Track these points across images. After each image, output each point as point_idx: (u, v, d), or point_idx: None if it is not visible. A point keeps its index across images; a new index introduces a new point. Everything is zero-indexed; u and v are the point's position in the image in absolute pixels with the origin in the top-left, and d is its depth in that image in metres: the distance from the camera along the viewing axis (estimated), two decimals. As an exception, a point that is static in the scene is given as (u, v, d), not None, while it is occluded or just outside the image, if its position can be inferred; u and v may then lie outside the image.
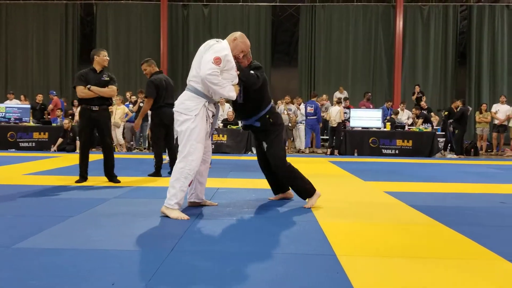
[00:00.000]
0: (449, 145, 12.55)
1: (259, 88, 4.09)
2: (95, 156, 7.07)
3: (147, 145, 12.24)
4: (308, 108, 12.13)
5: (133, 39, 17.86)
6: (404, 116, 13.25)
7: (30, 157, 9.23)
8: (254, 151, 11.68)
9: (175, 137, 6.02)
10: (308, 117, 12.18)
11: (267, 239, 3.11)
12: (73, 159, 8.08)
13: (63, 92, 17.37)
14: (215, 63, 3.57)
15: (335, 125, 11.82)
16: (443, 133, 13.74)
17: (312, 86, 17.68)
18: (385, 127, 11.96)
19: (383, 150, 11.47)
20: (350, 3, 17.73)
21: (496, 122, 12.73)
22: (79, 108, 5.98)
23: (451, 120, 12.07)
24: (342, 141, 11.53)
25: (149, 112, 6.54)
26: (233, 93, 3.77)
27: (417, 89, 14.57)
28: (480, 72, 17.64)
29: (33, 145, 11.72)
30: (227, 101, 11.39)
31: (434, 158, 11.17)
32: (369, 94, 14.79)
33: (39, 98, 13.61)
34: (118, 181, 5.69)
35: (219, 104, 4.06)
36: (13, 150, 11.43)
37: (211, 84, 3.59)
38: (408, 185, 6.01)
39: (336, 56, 17.73)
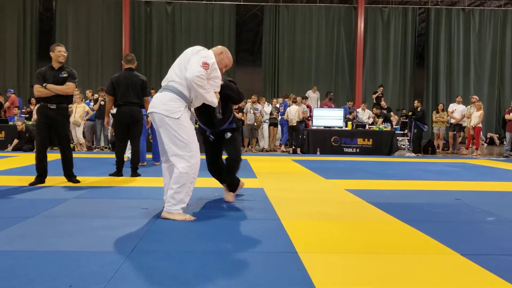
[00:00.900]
0: (408, 144, 12.93)
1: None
2: (54, 156, 6.88)
3: (108, 144, 12.00)
4: (281, 108, 12.47)
5: (94, 36, 17.49)
6: (365, 115, 13.53)
7: (-16, 157, 8.89)
8: None
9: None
10: (281, 116, 12.47)
11: (229, 238, 3.11)
12: (30, 158, 7.83)
13: (21, 89, 16.83)
14: (204, 67, 3.52)
15: (294, 124, 11.95)
16: (402, 132, 14.13)
17: (276, 85, 17.81)
18: (346, 126, 12.17)
19: (344, 148, 11.68)
20: (313, 4, 17.95)
21: (453, 121, 13.18)
22: (36, 106, 5.80)
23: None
24: (305, 140, 11.66)
25: None
26: (215, 100, 3.75)
27: (380, 90, 14.88)
28: (437, 73, 18.23)
29: (-12, 144, 11.30)
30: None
31: (393, 156, 11.45)
32: (331, 93, 15.02)
33: (-3, 97, 13.15)
34: (78, 181, 5.55)
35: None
36: (-33, 149, 10.99)
37: (197, 87, 3.51)
38: (368, 182, 6.14)
39: (299, 56, 17.93)
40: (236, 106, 12.07)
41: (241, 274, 2.38)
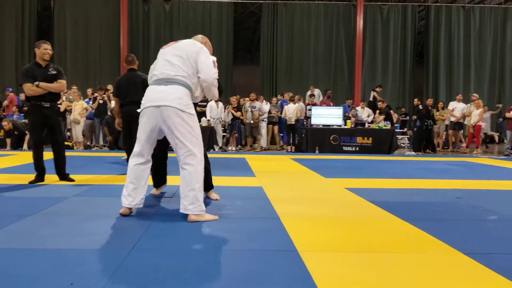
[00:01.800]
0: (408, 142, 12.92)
1: None
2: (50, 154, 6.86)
3: (106, 143, 12.00)
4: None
5: (92, 34, 17.46)
6: (364, 114, 13.52)
7: (-17, 156, 8.87)
8: (217, 148, 11.65)
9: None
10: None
11: (229, 236, 3.10)
12: (28, 157, 7.81)
13: (19, 88, 16.73)
14: (214, 66, 3.61)
15: (292, 123, 11.94)
16: (402, 130, 14.11)
17: (274, 83, 17.79)
18: (345, 125, 12.16)
19: (343, 147, 11.66)
20: (311, 1, 17.93)
21: (453, 119, 13.16)
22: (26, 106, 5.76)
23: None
24: (303, 139, 11.65)
25: None
26: (217, 93, 3.79)
27: (378, 89, 14.82)
28: (437, 70, 18.22)
29: (-13, 143, 11.28)
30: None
31: (393, 155, 11.45)
32: (329, 92, 15.00)
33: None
34: (72, 180, 5.53)
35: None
36: (-34, 148, 10.97)
37: (213, 87, 3.61)
38: (368, 181, 6.13)
39: (298, 54, 17.91)
40: (235, 105, 12.08)
41: (242, 272, 2.36)
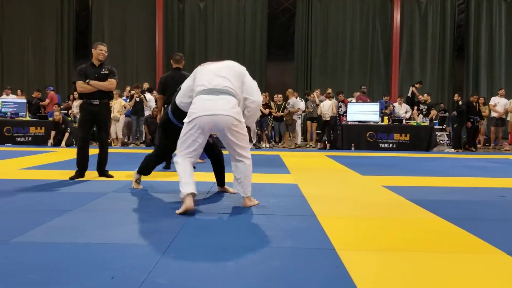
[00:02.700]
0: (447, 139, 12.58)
1: None
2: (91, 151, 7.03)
3: (143, 139, 12.23)
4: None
5: (129, 33, 17.79)
6: (402, 110, 13.24)
7: (26, 152, 9.19)
8: (250, 145, 11.67)
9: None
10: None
11: (265, 233, 3.10)
12: (70, 153, 8.04)
13: (59, 87, 17.30)
14: None
15: (328, 119, 11.82)
16: (441, 127, 13.75)
17: (308, 80, 17.65)
18: (382, 121, 11.95)
19: (380, 144, 11.47)
20: (347, -4, 17.68)
21: (495, 115, 12.71)
22: (75, 102, 5.94)
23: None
24: (339, 135, 11.53)
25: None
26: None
27: (418, 85, 14.49)
28: (477, 65, 17.64)
29: (30, 139, 11.68)
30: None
31: (432, 152, 11.19)
32: (364, 87, 14.76)
33: (36, 94, 13.54)
34: (111, 176, 5.66)
35: None
36: (10, 144, 11.39)
37: (257, 112, 3.91)
38: (406, 179, 6.01)
39: (333, 50, 17.70)
40: (264, 102, 12.04)
41: (277, 270, 2.35)
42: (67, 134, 10.91)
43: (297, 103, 12.58)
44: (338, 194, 4.73)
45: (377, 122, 11.81)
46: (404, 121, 12.14)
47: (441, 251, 2.77)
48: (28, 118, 12.25)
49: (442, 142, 13.35)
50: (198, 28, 17.76)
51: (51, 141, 11.17)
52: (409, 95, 14.56)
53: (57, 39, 17.76)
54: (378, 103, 12.69)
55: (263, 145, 12.08)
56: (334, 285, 2.16)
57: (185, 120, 3.69)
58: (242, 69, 3.84)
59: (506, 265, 2.50)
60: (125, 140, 12.37)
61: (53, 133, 11.17)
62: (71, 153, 7.07)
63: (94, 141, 7.37)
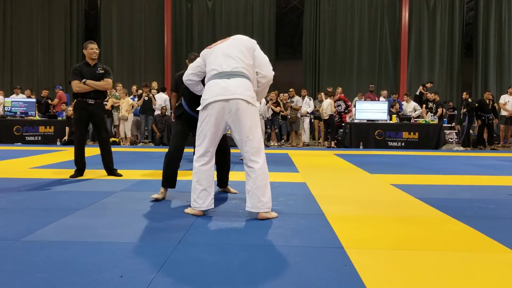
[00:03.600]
0: (456, 137, 12.49)
1: None
2: (93, 150, 7.07)
3: (153, 139, 12.29)
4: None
5: (137, 32, 17.83)
6: (409, 108, 13.17)
7: (36, 151, 9.26)
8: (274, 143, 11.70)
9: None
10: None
11: (273, 231, 3.10)
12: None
13: (68, 86, 17.33)
14: None
15: (326, 118, 11.80)
16: (450, 125, 13.65)
17: (316, 78, 17.59)
18: (391, 120, 11.90)
19: (389, 142, 11.42)
20: (355, -6, 17.59)
21: (505, 113, 12.59)
22: (73, 103, 5.97)
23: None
24: (347, 134, 11.50)
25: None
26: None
27: (429, 85, 14.41)
28: (486, 63, 17.48)
29: (39, 139, 11.78)
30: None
31: (441, 150, 11.12)
32: (372, 85, 14.72)
33: (45, 93, 13.64)
34: (120, 174, 5.68)
35: None
36: (19, 144, 11.49)
37: (268, 85, 3.66)
38: (415, 177, 5.98)
39: (341, 48, 17.62)
40: (274, 100, 12.06)
41: (287, 268, 2.35)
42: (67, 130, 10.99)
43: (300, 101, 12.57)
44: (347, 193, 4.71)
45: (386, 121, 11.76)
46: (412, 120, 12.07)
47: (450, 249, 2.75)
48: (37, 118, 12.35)
49: (451, 140, 13.26)
50: (206, 27, 17.77)
51: (66, 137, 11.24)
52: (417, 93, 14.49)
53: (66, 39, 17.85)
54: (387, 101, 12.64)
55: (272, 144, 12.08)
56: (343, 283, 2.16)
57: (199, 108, 3.49)
58: (252, 42, 3.58)
59: (517, 264, 2.48)
60: (134, 139, 12.42)
61: (67, 129, 11.26)
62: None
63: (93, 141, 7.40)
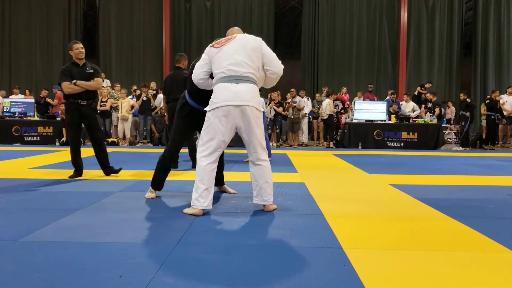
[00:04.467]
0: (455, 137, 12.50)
1: None
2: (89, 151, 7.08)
3: (151, 139, 12.28)
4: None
5: (136, 33, 17.82)
6: (408, 108, 13.17)
7: (35, 151, 9.25)
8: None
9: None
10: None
11: (272, 232, 3.10)
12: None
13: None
14: None
15: (325, 118, 11.81)
16: (447, 125, 13.64)
17: (315, 78, 17.60)
18: (389, 120, 11.91)
19: (387, 142, 11.43)
20: (354, -6, 17.60)
21: (504, 113, 12.59)
22: (63, 104, 5.93)
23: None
24: (346, 134, 11.51)
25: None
26: None
27: (428, 85, 14.42)
28: (486, 63, 17.49)
29: (38, 139, 11.77)
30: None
31: (440, 150, 11.12)
32: (371, 85, 14.72)
33: (44, 93, 13.63)
34: (117, 171, 5.67)
35: None
36: (18, 144, 11.48)
37: (278, 79, 3.76)
38: (413, 177, 5.98)
39: (340, 48, 17.62)
40: (277, 101, 12.07)
41: (286, 268, 2.35)
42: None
43: (303, 101, 12.58)
44: (345, 193, 4.71)
45: (384, 121, 11.77)
46: (410, 120, 12.08)
47: (449, 249, 2.75)
48: (36, 118, 12.33)
49: (450, 140, 13.28)
50: (205, 27, 17.76)
51: (64, 138, 11.23)
52: (415, 93, 14.50)
53: (65, 39, 17.82)
54: (385, 102, 12.65)
55: (271, 144, 12.09)
56: (342, 283, 2.16)
57: (207, 109, 3.54)
58: (258, 42, 3.64)
59: (515, 264, 2.48)
60: (133, 140, 12.42)
61: (64, 129, 11.27)
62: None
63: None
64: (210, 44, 3.77)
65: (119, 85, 12.86)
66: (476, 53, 17.65)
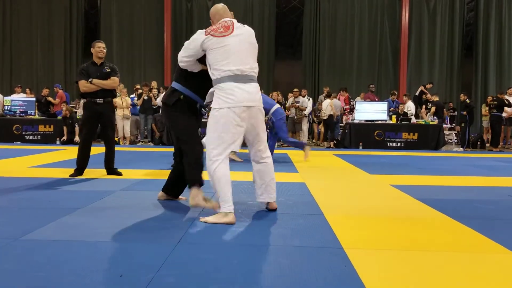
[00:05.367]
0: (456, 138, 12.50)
1: None
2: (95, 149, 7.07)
3: (152, 138, 12.28)
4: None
5: (137, 32, 17.81)
6: (406, 108, 13.15)
7: (35, 150, 9.25)
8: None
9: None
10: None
11: (273, 232, 3.10)
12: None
13: (68, 85, 17.37)
14: None
15: (325, 118, 11.80)
16: (450, 126, 13.64)
17: (316, 78, 17.59)
18: (390, 120, 11.90)
19: (388, 143, 11.42)
20: (355, -6, 17.59)
21: (504, 115, 12.59)
22: (82, 101, 5.96)
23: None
24: (346, 134, 11.50)
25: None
26: None
27: (429, 86, 14.42)
28: (486, 64, 17.48)
29: (39, 138, 11.77)
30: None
31: (441, 151, 11.12)
32: (372, 86, 14.71)
33: (45, 92, 13.63)
34: (120, 173, 5.69)
35: None
36: (19, 143, 11.47)
37: None
38: (414, 178, 5.98)
39: (341, 49, 17.60)
40: (277, 100, 12.07)
41: (286, 268, 2.35)
42: (77, 129, 10.99)
43: (305, 101, 12.58)
44: (346, 193, 4.71)
45: (385, 121, 11.77)
46: (413, 119, 12.08)
47: (449, 250, 2.75)
48: (37, 117, 12.34)
49: (451, 141, 13.27)
50: (206, 26, 17.65)
51: (64, 137, 11.24)
52: (416, 94, 14.50)
53: (66, 38, 17.82)
54: (386, 102, 12.65)
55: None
56: (342, 284, 2.16)
57: (216, 107, 3.37)
58: (254, 35, 3.76)
59: (516, 265, 2.48)
60: (133, 139, 12.42)
61: (65, 128, 11.27)
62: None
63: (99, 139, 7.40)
64: (206, 31, 3.60)
65: (122, 85, 12.86)
66: (477, 54, 17.63)
